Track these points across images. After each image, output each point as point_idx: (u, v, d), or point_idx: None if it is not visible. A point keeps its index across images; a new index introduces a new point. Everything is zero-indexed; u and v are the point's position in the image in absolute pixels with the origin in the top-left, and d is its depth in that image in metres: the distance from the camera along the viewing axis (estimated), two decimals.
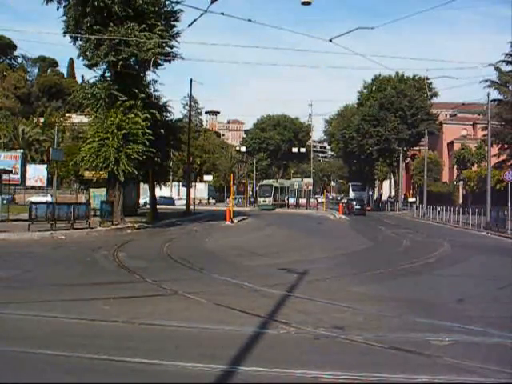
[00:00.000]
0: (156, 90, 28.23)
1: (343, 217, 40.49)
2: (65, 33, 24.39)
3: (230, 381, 4.92)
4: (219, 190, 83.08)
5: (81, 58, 25.05)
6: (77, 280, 10.57)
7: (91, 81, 26.55)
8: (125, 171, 23.41)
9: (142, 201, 41.96)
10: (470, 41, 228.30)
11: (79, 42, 24.66)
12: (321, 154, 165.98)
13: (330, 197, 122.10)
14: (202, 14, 17.93)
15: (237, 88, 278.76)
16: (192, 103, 55.92)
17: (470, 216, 30.73)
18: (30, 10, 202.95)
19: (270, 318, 7.29)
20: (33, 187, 53.54)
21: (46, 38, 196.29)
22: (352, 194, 66.71)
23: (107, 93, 24.08)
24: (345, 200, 62.41)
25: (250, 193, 72.97)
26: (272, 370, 5.11)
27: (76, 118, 77.06)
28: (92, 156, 23.68)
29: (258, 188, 61.26)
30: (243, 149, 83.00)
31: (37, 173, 53.27)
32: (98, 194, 30.26)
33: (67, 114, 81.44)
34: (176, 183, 71.55)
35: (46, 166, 52.41)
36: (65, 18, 24.08)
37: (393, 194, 75.06)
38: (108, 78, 25.23)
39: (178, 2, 25.66)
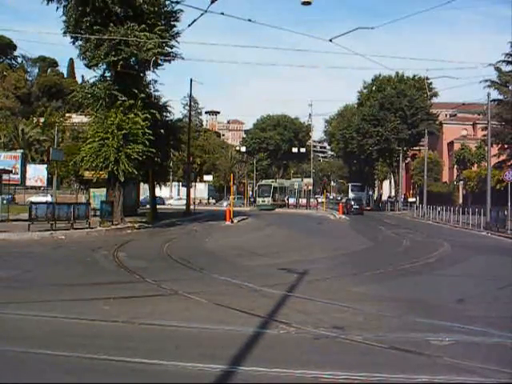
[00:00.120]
0: (156, 90, 28.28)
1: (343, 217, 40.50)
2: (65, 33, 24.39)
3: (230, 381, 4.92)
4: (219, 190, 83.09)
5: (81, 58, 25.10)
6: (77, 280, 10.57)
7: (91, 81, 26.58)
8: (125, 171, 23.41)
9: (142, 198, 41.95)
10: (470, 41, 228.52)
11: (79, 42, 24.68)
12: (321, 154, 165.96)
13: (331, 197, 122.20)
14: (201, 14, 17.96)
15: (237, 88, 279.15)
16: (192, 103, 55.91)
17: (470, 216, 30.73)
18: (30, 10, 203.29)
19: (270, 318, 7.29)
20: (33, 187, 53.58)
21: (46, 37, 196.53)
22: (351, 194, 66.84)
23: (107, 93, 24.08)
24: (344, 200, 63.04)
25: (250, 193, 72.95)
26: (272, 369, 5.11)
27: (76, 118, 77.11)
28: (92, 156, 23.68)
29: (256, 188, 61.18)
30: (243, 149, 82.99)
31: (37, 173, 53.31)
32: (98, 194, 30.27)
33: (67, 114, 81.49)
34: (176, 183, 71.57)
35: (46, 166, 52.36)
36: (65, 17, 24.08)
37: (393, 193, 75.06)
38: (108, 78, 25.22)
39: (177, 2, 25.66)
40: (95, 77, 25.83)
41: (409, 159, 76.63)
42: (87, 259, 13.86)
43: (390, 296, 9.34)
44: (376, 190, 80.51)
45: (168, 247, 16.77)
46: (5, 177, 30.40)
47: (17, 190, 49.76)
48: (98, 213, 24.91)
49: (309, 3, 16.05)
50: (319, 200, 68.32)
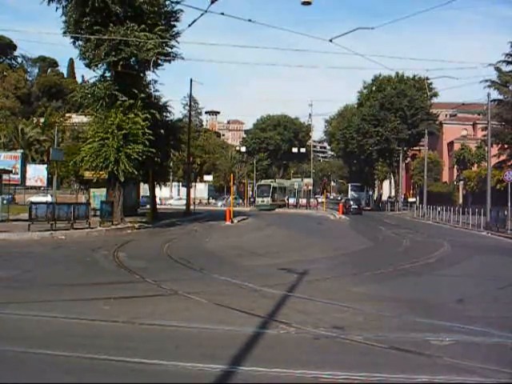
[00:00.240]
0: (156, 90, 28.29)
1: (343, 217, 40.51)
2: (64, 33, 24.39)
3: (230, 381, 4.92)
4: (219, 190, 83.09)
5: (81, 58, 25.10)
6: (77, 280, 10.57)
7: (91, 81, 26.60)
8: (125, 171, 23.41)
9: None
10: (470, 41, 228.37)
11: (79, 43, 24.69)
12: (321, 154, 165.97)
13: (331, 197, 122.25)
14: (202, 14, 17.99)
15: (237, 88, 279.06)
16: (192, 103, 55.89)
17: (470, 216, 30.74)
18: (30, 10, 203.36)
19: (270, 318, 7.29)
20: (33, 187, 53.56)
21: (46, 38, 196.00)
22: (351, 194, 66.95)
23: (107, 93, 24.07)
24: (343, 200, 63.38)
25: (251, 193, 72.95)
26: (272, 369, 5.11)
27: (76, 118, 77.05)
28: (92, 156, 23.68)
29: (256, 188, 61.09)
30: (243, 149, 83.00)
31: (37, 173, 53.29)
32: (98, 194, 30.28)
33: (67, 114, 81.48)
34: (176, 183, 71.57)
35: (46, 165, 52.39)
36: (65, 18, 24.08)
37: (393, 194, 75.07)
38: (108, 78, 25.22)
39: (177, 2, 25.69)
40: (95, 77, 25.89)
41: (409, 159, 76.63)
42: (87, 259, 13.87)
43: (390, 296, 9.34)
44: (376, 190, 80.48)
45: (168, 247, 16.77)
46: (5, 177, 30.41)
47: (17, 190, 49.76)
48: (97, 213, 24.91)
49: (309, 3, 16.06)
50: (319, 200, 68.33)
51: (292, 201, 62.45)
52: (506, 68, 46.27)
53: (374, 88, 65.59)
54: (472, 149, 63.82)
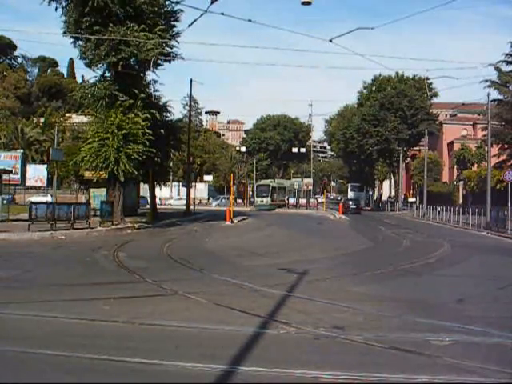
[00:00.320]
0: (156, 90, 28.30)
1: (343, 217, 40.51)
2: (64, 33, 24.40)
3: (230, 381, 4.92)
4: (219, 190, 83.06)
5: (80, 58, 25.13)
6: (77, 280, 10.57)
7: (91, 81, 26.61)
8: (125, 171, 23.41)
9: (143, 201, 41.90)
10: (470, 41, 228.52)
11: (79, 42, 24.69)
12: (321, 154, 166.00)
13: (331, 197, 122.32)
14: (202, 14, 18.00)
15: (237, 88, 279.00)
16: (192, 103, 55.87)
17: (470, 216, 30.75)
18: (30, 10, 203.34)
19: (270, 318, 7.29)
20: (33, 187, 53.54)
21: (46, 38, 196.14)
22: (350, 194, 67.05)
23: (107, 93, 24.07)
24: (343, 200, 63.62)
25: (251, 193, 72.96)
26: (272, 370, 5.11)
27: (76, 118, 77.02)
28: (92, 156, 23.67)
29: (255, 188, 61.01)
30: (243, 149, 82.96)
31: (37, 173, 53.28)
32: (98, 194, 30.27)
33: (67, 114, 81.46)
34: (176, 183, 71.56)
35: (46, 166, 52.39)
36: (64, 18, 24.09)
37: (393, 194, 75.08)
38: (108, 78, 25.23)
39: (177, 2, 25.70)
40: (95, 77, 25.91)
41: (409, 159, 76.65)
42: (87, 259, 13.86)
43: (390, 296, 9.34)
44: (376, 190, 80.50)
45: (168, 247, 16.77)
46: (5, 177, 30.40)
47: (17, 190, 49.77)
48: (97, 213, 24.90)
49: (309, 3, 16.06)
50: (319, 200, 68.33)
51: (292, 201, 62.43)
52: (506, 68, 46.33)
53: (374, 88, 65.54)
54: (472, 149, 63.82)
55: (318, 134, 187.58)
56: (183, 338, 6.48)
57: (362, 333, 6.51)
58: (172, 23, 26.19)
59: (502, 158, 47.82)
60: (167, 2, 25.88)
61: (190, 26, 21.26)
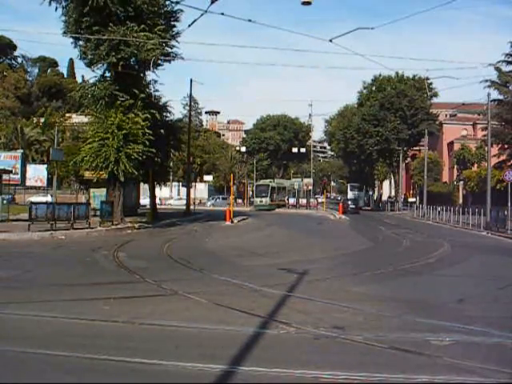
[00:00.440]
0: (156, 90, 28.29)
1: (343, 217, 40.52)
2: (64, 33, 24.38)
3: (230, 381, 4.92)
4: (219, 190, 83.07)
5: (80, 58, 25.13)
6: (77, 280, 10.57)
7: (91, 81, 26.60)
8: (125, 171, 23.41)
9: (143, 201, 41.84)
10: (470, 41, 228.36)
11: (79, 42, 24.68)
12: (321, 154, 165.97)
13: (332, 197, 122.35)
14: (202, 15, 18.00)
15: (237, 88, 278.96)
16: (192, 103, 55.84)
17: (470, 216, 30.75)
18: (30, 10, 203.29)
19: (270, 318, 7.29)
20: (33, 187, 53.54)
21: (46, 38, 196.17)
22: (350, 194, 67.13)
23: (107, 93, 24.08)
24: (342, 200, 64.05)
25: (251, 193, 72.97)
26: (272, 370, 5.11)
27: (76, 118, 77.01)
28: (92, 156, 23.68)
29: (254, 188, 60.90)
30: (243, 149, 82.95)
31: (37, 173, 53.29)
32: (98, 194, 30.27)
33: (67, 114, 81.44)
34: (176, 183, 71.53)
35: (46, 166, 52.40)
36: (64, 18, 24.08)
37: (393, 194, 75.08)
38: (108, 78, 25.22)
39: (177, 2, 25.68)
40: (95, 77, 25.91)
41: (409, 159, 76.66)
42: (87, 259, 13.86)
43: (390, 296, 9.34)
44: (376, 190, 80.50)
45: (168, 247, 16.77)
46: (5, 177, 30.41)
47: (17, 190, 49.78)
48: (98, 213, 24.90)
49: (309, 3, 16.06)
50: (319, 200, 68.33)
51: (292, 201, 62.42)
52: (505, 68, 46.35)
53: (373, 88, 65.56)
54: (472, 149, 63.80)
55: (318, 133, 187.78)
56: (183, 338, 6.48)
57: (362, 333, 6.51)
58: (172, 23, 26.19)
59: (502, 157, 47.82)
60: (167, 2, 25.88)
61: (190, 26, 21.31)
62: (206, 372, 5.07)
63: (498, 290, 10.34)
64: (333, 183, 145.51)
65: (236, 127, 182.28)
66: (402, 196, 66.66)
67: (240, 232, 25.59)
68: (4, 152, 53.52)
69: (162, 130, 26.71)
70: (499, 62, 45.66)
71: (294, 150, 77.73)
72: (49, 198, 39.40)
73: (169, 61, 26.50)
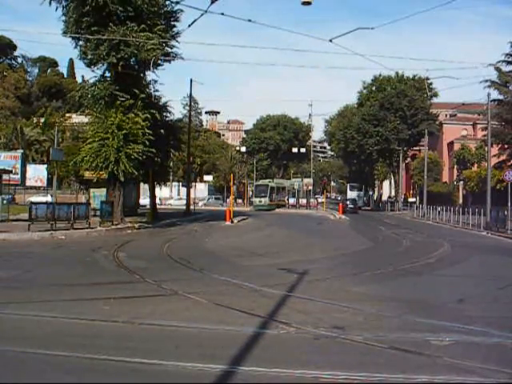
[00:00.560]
0: (156, 90, 28.29)
1: (343, 217, 40.52)
2: (64, 33, 24.37)
3: (230, 381, 4.92)
4: (219, 190, 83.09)
5: (80, 58, 25.13)
6: (77, 280, 10.57)
7: (91, 81, 26.59)
8: (125, 171, 23.41)
9: (143, 201, 41.84)
10: (470, 41, 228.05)
11: (80, 43, 24.67)
12: (321, 154, 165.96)
13: (333, 196, 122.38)
14: (202, 15, 18.02)
15: (237, 88, 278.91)
16: (192, 103, 55.82)
17: (470, 216, 30.76)
18: (30, 10, 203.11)
19: (270, 318, 7.29)
20: (33, 187, 53.56)
21: (46, 38, 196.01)
22: (349, 194, 67.19)
23: (107, 93, 24.08)
24: (341, 200, 64.30)
25: (251, 193, 72.99)
26: (272, 370, 5.11)
27: (76, 118, 77.05)
28: (92, 156, 23.68)
29: (253, 188, 60.79)
30: (243, 149, 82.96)
31: (37, 173, 53.31)
32: (98, 194, 30.26)
33: (67, 114, 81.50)
34: (176, 183, 71.52)
35: (46, 166, 52.41)
36: (64, 18, 24.08)
37: (393, 194, 75.10)
38: (108, 78, 25.23)
39: (177, 2, 25.68)
40: (95, 77, 25.88)
41: (409, 159, 76.66)
42: (87, 259, 13.86)
43: (390, 296, 9.34)
44: (376, 190, 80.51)
45: (168, 247, 16.77)
46: (5, 177, 30.41)
47: (17, 190, 49.77)
48: (98, 213, 24.90)
49: (309, 3, 16.06)
50: (319, 200, 68.36)
51: (292, 201, 62.40)
52: (505, 68, 46.37)
53: (373, 88, 65.60)
54: (472, 149, 63.79)
55: (318, 134, 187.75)
56: (183, 338, 6.48)
57: (362, 333, 6.51)
58: (172, 23, 26.19)
59: (502, 158, 47.82)
60: (167, 2, 25.88)
61: (190, 26, 21.31)
62: (206, 372, 5.07)
63: (497, 290, 10.34)
64: (333, 183, 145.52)
65: (236, 127, 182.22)
66: (402, 196, 66.66)
67: (240, 232, 25.59)
68: (4, 152, 53.52)
69: (162, 130, 26.70)
70: (499, 62, 45.74)
71: (294, 150, 77.75)
72: (49, 198, 39.39)
73: (169, 61, 26.50)
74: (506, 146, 47.17)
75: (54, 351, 5.65)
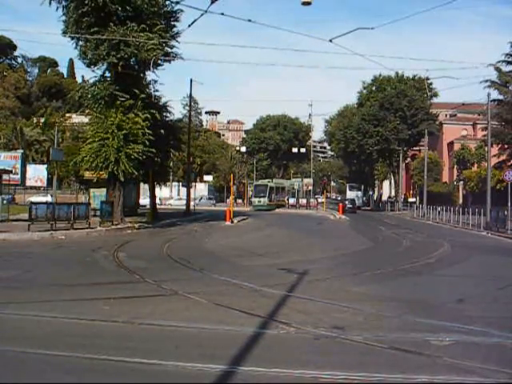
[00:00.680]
0: (156, 90, 28.28)
1: (343, 217, 40.51)
2: (64, 33, 24.36)
3: (230, 381, 4.93)
4: (219, 190, 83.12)
5: (80, 58, 25.12)
6: (77, 280, 10.57)
7: (91, 81, 26.59)
8: (125, 171, 23.41)
9: (143, 201, 41.81)
10: (471, 41, 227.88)
11: (80, 43, 24.66)
12: (321, 154, 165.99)
13: (333, 197, 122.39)
14: (202, 15, 18.03)
15: (237, 88, 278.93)
16: (192, 103, 55.82)
17: (470, 216, 30.76)
18: (29, 10, 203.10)
19: (270, 318, 7.29)
20: (33, 187, 53.60)
21: (46, 38, 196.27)
22: (349, 194, 67.29)
23: (107, 93, 24.07)
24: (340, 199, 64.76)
25: (251, 193, 73.02)
26: (271, 370, 5.11)
27: (76, 118, 77.15)
28: (92, 156, 23.68)
29: (253, 188, 60.73)
30: (243, 149, 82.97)
31: (37, 173, 53.37)
32: (98, 194, 30.27)
33: (67, 114, 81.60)
34: (176, 183, 71.55)
35: (46, 166, 52.47)
36: (64, 18, 24.08)
37: (393, 194, 75.11)
38: (108, 78, 25.23)
39: (177, 2, 25.69)
40: (95, 77, 25.88)
41: (409, 159, 76.65)
42: (87, 259, 13.86)
43: (390, 296, 9.34)
44: (376, 190, 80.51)
45: (168, 247, 16.77)
46: (5, 177, 30.46)
47: (17, 190, 49.80)
48: (98, 213, 24.90)
49: (309, 3, 16.07)
50: (319, 200, 68.38)
51: (292, 201, 62.38)
52: (505, 68, 46.35)
53: (373, 88, 65.60)
54: (472, 149, 63.80)
55: (318, 134, 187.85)
56: (183, 338, 6.49)
57: (362, 333, 6.51)
58: (172, 23, 26.19)
59: (502, 158, 47.81)
60: (167, 2, 25.89)
61: (190, 26, 21.33)
62: (206, 372, 5.08)
63: (497, 290, 10.34)
64: (333, 183, 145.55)
65: (236, 127, 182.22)
66: (402, 196, 66.66)
67: (240, 232, 25.59)
68: (4, 152, 53.58)
69: (162, 130, 26.69)
70: (499, 62, 45.73)
71: (294, 150, 77.80)
72: (49, 198, 39.40)
73: (169, 61, 26.50)
74: (506, 146, 47.16)
75: (54, 351, 5.65)
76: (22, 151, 55.82)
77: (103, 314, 7.46)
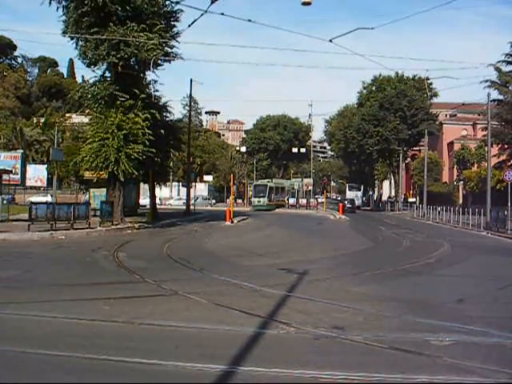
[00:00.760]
0: (156, 90, 28.26)
1: (343, 217, 40.50)
2: (64, 33, 24.35)
3: (230, 381, 4.93)
4: (219, 190, 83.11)
5: (80, 58, 25.12)
6: (77, 280, 10.57)
7: (91, 81, 26.59)
8: (125, 171, 23.41)
9: (143, 201, 41.78)
10: (471, 41, 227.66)
11: (80, 43, 24.65)
12: (321, 154, 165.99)
13: (334, 197, 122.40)
14: (202, 15, 18.01)
15: (237, 88, 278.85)
16: (192, 103, 55.80)
17: (470, 216, 30.76)
18: (29, 10, 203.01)
19: (270, 318, 7.29)
20: (33, 187, 53.61)
21: (46, 38, 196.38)
22: (349, 194, 67.36)
23: (107, 93, 24.07)
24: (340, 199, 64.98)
25: (250, 193, 73.00)
26: (271, 370, 5.11)
27: (76, 118, 77.16)
28: (92, 156, 23.68)
29: (252, 188, 60.74)
30: (243, 149, 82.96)
31: (37, 173, 53.39)
32: (98, 194, 30.27)
33: (67, 114, 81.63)
34: (176, 183, 71.55)
35: (46, 166, 52.48)
36: (64, 18, 24.07)
37: (393, 194, 75.12)
38: (108, 78, 25.23)
39: (177, 2, 25.68)
40: (95, 77, 25.88)
41: (409, 159, 76.66)
42: (87, 259, 13.87)
43: (390, 296, 9.34)
44: (376, 190, 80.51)
45: (168, 247, 16.77)
46: (5, 177, 30.48)
47: (17, 190, 49.82)
48: (98, 213, 24.90)
49: (309, 3, 16.06)
50: (319, 200, 68.35)
51: (292, 201, 62.37)
52: (505, 68, 46.34)
53: (373, 88, 65.60)
54: (472, 149, 63.81)
55: (318, 134, 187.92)
56: (183, 338, 6.49)
57: (362, 333, 6.51)
58: (172, 23, 26.18)
59: (502, 158, 47.81)
60: (167, 2, 25.88)
61: (189, 26, 21.30)
62: (206, 372, 5.08)
63: (497, 290, 10.34)
64: (333, 183, 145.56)
65: (236, 127, 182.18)
66: (402, 196, 66.68)
67: (240, 232, 25.59)
68: (4, 152, 53.59)
69: (162, 130, 26.68)
70: (499, 62, 45.73)
71: (294, 150, 77.78)
72: (49, 198, 39.39)
73: (169, 61, 26.49)
74: (505, 146, 47.15)
75: (54, 351, 5.65)
76: (21, 151, 55.84)
77: (103, 313, 7.46)
